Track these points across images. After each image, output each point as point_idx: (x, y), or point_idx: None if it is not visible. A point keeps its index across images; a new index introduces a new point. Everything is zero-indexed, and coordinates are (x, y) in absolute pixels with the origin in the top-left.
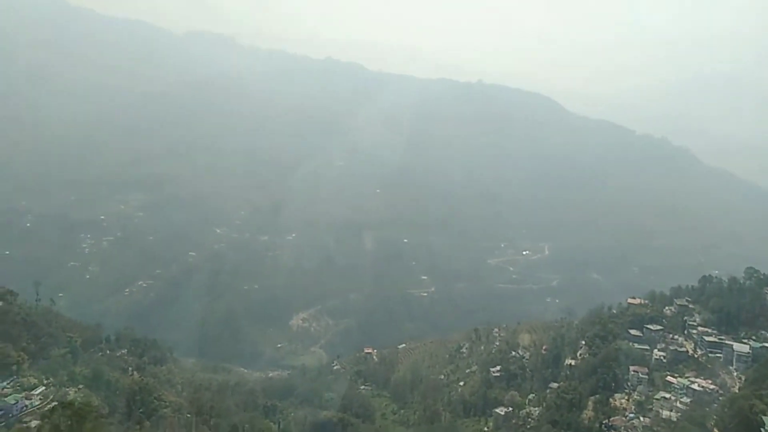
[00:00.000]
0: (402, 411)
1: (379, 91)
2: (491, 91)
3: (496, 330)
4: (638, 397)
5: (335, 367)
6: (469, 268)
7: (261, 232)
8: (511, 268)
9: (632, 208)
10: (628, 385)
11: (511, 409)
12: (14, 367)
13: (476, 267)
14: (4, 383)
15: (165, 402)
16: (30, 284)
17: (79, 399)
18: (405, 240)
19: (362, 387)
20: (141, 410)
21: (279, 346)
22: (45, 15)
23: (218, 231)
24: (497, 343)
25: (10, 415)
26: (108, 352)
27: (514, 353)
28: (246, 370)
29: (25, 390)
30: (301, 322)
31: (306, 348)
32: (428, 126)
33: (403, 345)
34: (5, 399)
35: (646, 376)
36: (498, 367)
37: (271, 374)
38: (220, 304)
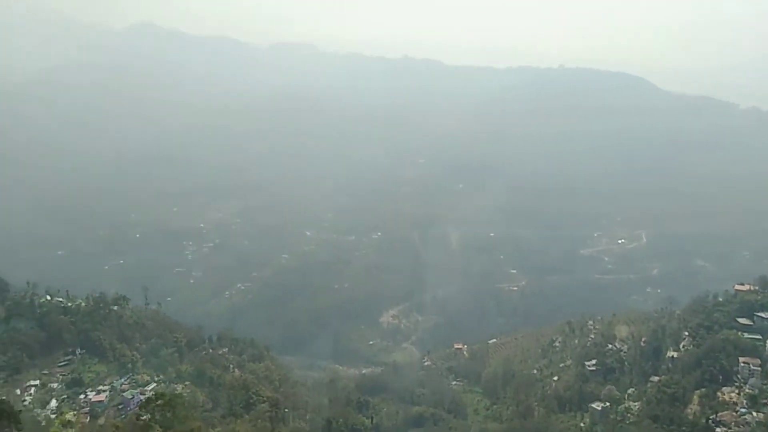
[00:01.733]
0: (494, 406)
1: (459, 85)
2: (575, 75)
3: (591, 322)
4: (750, 391)
5: (426, 363)
6: (561, 260)
7: (348, 233)
8: (606, 258)
9: (740, 188)
10: (737, 378)
11: (608, 404)
12: (130, 365)
13: (568, 258)
14: (123, 380)
15: (263, 397)
16: (140, 290)
17: (185, 394)
18: (491, 234)
19: (453, 383)
20: (241, 405)
21: (371, 343)
22: (138, 39)
23: (308, 233)
24: (592, 336)
25: (128, 408)
26: (210, 351)
27: (610, 346)
28: (340, 367)
29: (140, 386)
30: (391, 319)
31: (397, 344)
32: (511, 116)
33: (494, 340)
34: (124, 394)
35: (759, 368)
36: (594, 361)
37: (364, 370)
38: (313, 303)
